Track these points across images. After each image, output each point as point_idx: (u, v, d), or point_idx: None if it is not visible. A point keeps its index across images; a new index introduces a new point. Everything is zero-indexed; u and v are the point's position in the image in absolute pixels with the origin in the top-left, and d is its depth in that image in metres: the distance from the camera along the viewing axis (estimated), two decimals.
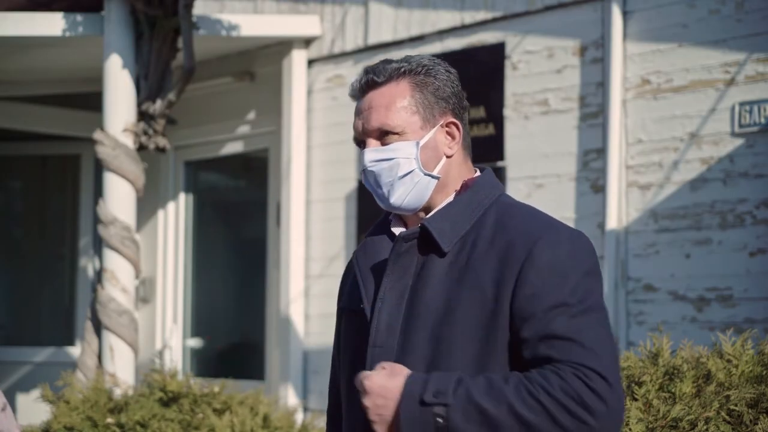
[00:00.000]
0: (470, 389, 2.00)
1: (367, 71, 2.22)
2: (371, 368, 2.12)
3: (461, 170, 2.24)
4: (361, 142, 2.23)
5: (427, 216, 2.21)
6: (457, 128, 2.23)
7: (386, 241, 2.27)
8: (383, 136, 2.20)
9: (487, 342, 2.08)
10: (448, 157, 2.22)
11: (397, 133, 2.19)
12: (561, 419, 1.96)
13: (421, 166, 2.19)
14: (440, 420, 1.98)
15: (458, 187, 2.23)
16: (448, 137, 2.22)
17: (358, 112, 2.23)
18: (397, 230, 2.28)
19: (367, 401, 2.04)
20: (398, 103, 2.19)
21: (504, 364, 2.08)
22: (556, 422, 1.96)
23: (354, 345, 2.24)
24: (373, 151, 2.20)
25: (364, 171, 2.24)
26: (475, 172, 2.27)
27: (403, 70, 2.21)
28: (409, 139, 2.19)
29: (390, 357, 2.14)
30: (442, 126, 2.21)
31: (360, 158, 2.30)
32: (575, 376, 1.98)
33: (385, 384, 2.03)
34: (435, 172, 2.20)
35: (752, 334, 3.69)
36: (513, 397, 1.98)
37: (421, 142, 2.19)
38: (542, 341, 2.04)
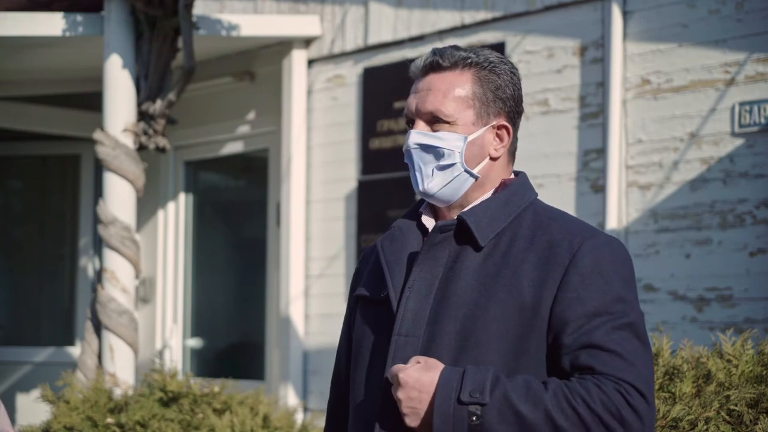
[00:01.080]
0: (508, 391, 1.98)
1: (435, 52, 2.18)
2: (394, 356, 2.10)
3: (501, 173, 2.22)
4: (410, 121, 2.20)
5: (465, 209, 2.18)
6: (508, 132, 2.20)
7: (415, 231, 2.23)
8: (434, 121, 2.17)
9: (520, 342, 2.06)
10: (492, 158, 2.19)
11: (448, 123, 2.16)
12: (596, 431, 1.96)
13: (464, 162, 2.16)
14: (475, 419, 1.96)
15: (496, 186, 2.21)
16: (497, 139, 2.20)
17: (415, 91, 2.19)
18: (428, 220, 2.24)
19: (400, 393, 2.01)
20: (456, 93, 2.16)
21: (535, 366, 2.06)
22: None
23: (374, 334, 2.19)
24: (420, 133, 2.18)
25: (406, 150, 2.21)
26: (512, 175, 2.26)
27: (470, 60, 2.17)
28: (459, 132, 2.16)
29: (415, 346, 2.10)
30: (493, 127, 2.19)
31: (406, 137, 2.24)
32: (617, 391, 1.97)
33: (420, 377, 2.00)
34: (476, 171, 2.18)
35: (752, 334, 3.69)
36: (550, 404, 1.96)
37: (470, 138, 2.16)
38: (584, 350, 2.02)
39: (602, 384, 1.98)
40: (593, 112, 5.59)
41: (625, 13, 5.47)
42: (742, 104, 5.07)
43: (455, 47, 2.20)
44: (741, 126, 5.07)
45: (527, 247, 2.10)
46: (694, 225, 5.21)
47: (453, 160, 2.16)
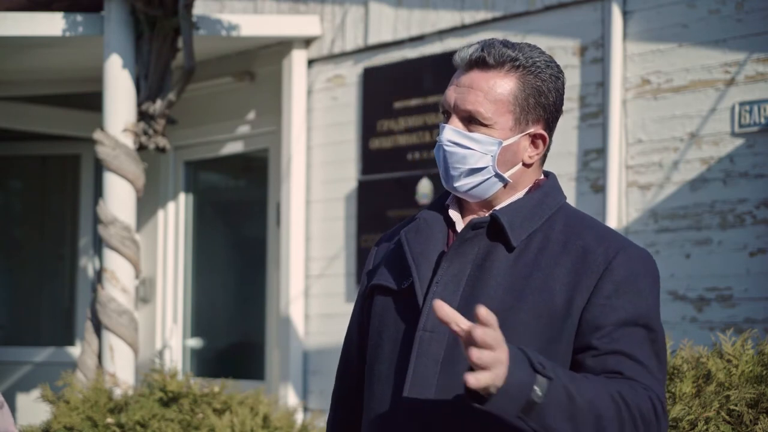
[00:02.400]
0: (560, 372, 1.92)
1: (483, 47, 2.12)
2: (419, 353, 2.06)
3: (532, 176, 2.20)
4: (446, 113, 2.15)
5: (498, 207, 2.15)
6: (543, 141, 2.17)
7: (441, 224, 2.19)
8: (471, 121, 2.12)
9: (549, 344, 2.03)
10: (525, 165, 2.16)
11: (485, 125, 2.11)
12: (627, 430, 1.96)
13: (496, 166, 2.12)
14: (539, 391, 1.86)
15: (528, 186, 2.18)
16: (532, 146, 2.16)
17: (457, 85, 2.13)
18: (454, 215, 2.20)
19: (499, 351, 1.84)
20: (498, 96, 2.10)
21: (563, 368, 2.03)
22: (622, 430, 1.96)
23: (395, 325, 2.15)
24: (455, 132, 2.12)
25: (438, 145, 2.16)
26: (542, 176, 2.23)
27: (517, 63, 2.11)
28: (494, 136, 2.11)
29: (441, 343, 2.06)
30: (529, 134, 2.15)
31: (440, 129, 2.20)
32: (648, 398, 1.99)
33: (498, 337, 1.87)
34: (507, 175, 2.14)
35: (752, 334, 3.69)
36: (597, 396, 1.94)
37: (505, 143, 2.12)
38: (612, 355, 2.01)
39: (635, 387, 1.99)
40: (593, 112, 5.59)
41: (625, 13, 5.47)
42: (742, 104, 5.07)
43: (505, 44, 2.13)
44: (741, 126, 5.07)
45: (561, 252, 2.08)
46: (694, 225, 5.21)
47: (485, 163, 2.12)
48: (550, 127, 2.18)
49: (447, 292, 2.09)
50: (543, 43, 5.79)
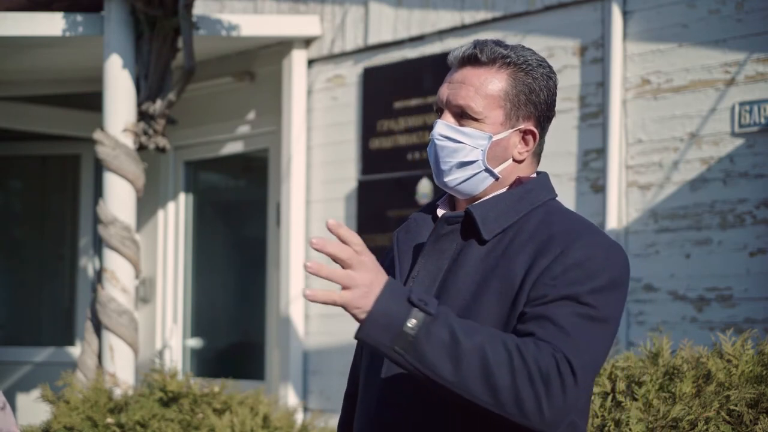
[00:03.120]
0: (449, 314, 1.93)
1: (475, 45, 2.17)
2: None
3: (523, 173, 2.21)
4: (439, 110, 2.19)
5: (475, 203, 2.17)
6: (534, 137, 2.18)
7: (429, 223, 2.24)
8: (462, 116, 2.16)
9: (506, 326, 2.04)
10: (515, 161, 2.18)
11: (476, 119, 2.14)
12: (520, 384, 1.90)
13: (486, 161, 2.15)
14: (412, 324, 1.87)
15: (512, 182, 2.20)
16: (522, 143, 2.18)
17: (449, 81, 2.18)
18: (442, 212, 2.24)
19: (361, 271, 1.89)
20: (489, 90, 2.15)
21: None
22: (515, 385, 1.90)
23: None
24: (446, 126, 2.16)
25: (431, 140, 2.20)
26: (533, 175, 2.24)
27: (508, 60, 2.15)
28: (485, 130, 2.15)
29: None
30: (520, 130, 2.17)
31: (433, 126, 2.22)
32: (551, 355, 1.93)
33: (377, 263, 1.92)
34: (497, 171, 2.17)
35: (752, 334, 3.69)
36: (486, 340, 1.91)
37: (495, 138, 2.15)
38: (536, 320, 1.99)
39: (539, 344, 1.94)
40: (593, 112, 5.59)
41: (625, 13, 5.47)
42: (742, 104, 5.07)
43: (497, 43, 2.18)
44: (741, 126, 5.07)
45: (528, 240, 2.09)
46: (694, 225, 5.21)
47: (475, 157, 2.15)
48: (542, 125, 2.20)
49: (422, 286, 2.13)
50: (543, 43, 5.79)
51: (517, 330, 2.00)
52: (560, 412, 1.92)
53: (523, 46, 2.21)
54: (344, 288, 1.88)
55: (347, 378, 2.44)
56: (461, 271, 2.11)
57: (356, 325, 1.92)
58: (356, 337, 1.90)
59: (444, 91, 2.18)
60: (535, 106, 2.17)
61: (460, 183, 2.18)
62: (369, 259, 1.90)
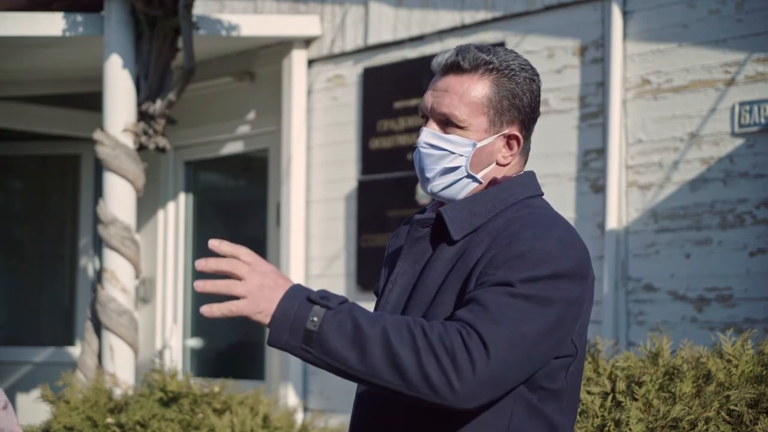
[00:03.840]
0: (355, 307, 1.95)
1: (458, 52, 2.18)
2: None
3: (509, 175, 2.23)
4: (425, 117, 2.22)
5: (448, 204, 2.20)
6: (518, 142, 2.20)
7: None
8: (447, 124, 2.18)
9: None
10: (499, 164, 2.20)
11: (460, 127, 2.17)
12: (425, 362, 1.89)
13: (468, 167, 2.18)
14: (314, 320, 1.91)
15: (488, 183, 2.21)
16: (506, 147, 2.20)
17: (433, 89, 2.20)
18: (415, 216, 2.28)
19: (251, 275, 1.93)
20: (472, 98, 2.16)
21: None
22: (420, 363, 1.89)
23: None
24: (431, 134, 2.19)
25: (416, 148, 2.22)
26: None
27: (491, 66, 2.17)
28: (469, 137, 2.17)
29: None
30: (504, 135, 2.19)
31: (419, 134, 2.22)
32: (457, 331, 1.92)
33: (276, 274, 1.96)
34: (480, 175, 2.19)
35: (752, 334, 3.69)
36: (390, 326, 1.92)
37: (479, 144, 2.17)
38: (466, 304, 2.00)
39: (447, 323, 1.94)
40: (593, 112, 5.59)
41: (625, 13, 5.47)
42: (742, 104, 5.07)
43: (479, 48, 2.19)
44: (741, 126, 5.07)
45: (487, 235, 2.11)
46: (694, 225, 5.21)
47: (459, 163, 2.17)
48: (526, 128, 2.22)
49: (400, 288, 2.17)
50: (543, 43, 5.79)
51: (452, 317, 2.01)
52: (473, 385, 1.90)
53: (506, 50, 2.22)
54: (239, 298, 1.92)
55: None
56: (431, 272, 2.13)
57: None
58: (268, 344, 1.94)
59: (428, 99, 2.20)
60: (518, 110, 2.19)
61: (443, 189, 2.20)
62: (262, 266, 1.93)
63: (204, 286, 1.89)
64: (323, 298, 1.93)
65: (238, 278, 1.93)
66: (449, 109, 2.16)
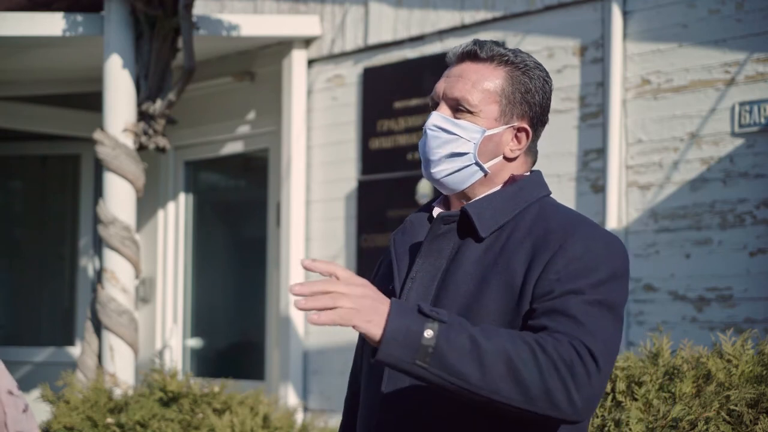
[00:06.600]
0: (461, 319, 1.92)
1: (475, 42, 2.19)
2: None
3: (515, 172, 2.22)
4: (435, 104, 2.20)
5: (470, 201, 2.18)
6: (527, 135, 2.19)
7: (425, 223, 2.24)
8: (458, 109, 2.17)
9: (511, 324, 2.04)
10: (506, 158, 2.19)
11: (471, 112, 2.16)
12: (548, 375, 1.88)
13: (477, 154, 2.16)
14: (430, 334, 1.86)
15: (504, 180, 2.20)
16: (515, 140, 2.19)
17: (446, 76, 2.20)
18: (438, 212, 2.24)
19: (349, 289, 1.86)
20: (486, 85, 2.16)
21: None
22: (543, 378, 1.88)
23: None
24: (441, 117, 2.17)
25: (424, 131, 2.21)
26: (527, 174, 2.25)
27: (506, 58, 2.18)
28: (479, 124, 2.16)
29: None
30: (513, 127, 2.18)
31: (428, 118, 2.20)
32: (570, 344, 1.92)
33: (370, 284, 1.91)
34: (486, 166, 2.17)
35: (752, 334, 3.69)
36: (506, 339, 1.90)
37: (488, 132, 2.16)
38: (546, 314, 1.99)
39: (556, 336, 1.94)
40: (593, 112, 5.60)
41: (625, 13, 5.47)
42: (742, 104, 5.07)
43: (496, 43, 2.20)
44: (741, 126, 5.07)
45: (524, 237, 2.10)
46: (694, 225, 5.21)
47: (467, 149, 2.16)
48: (535, 127, 2.21)
49: (421, 287, 2.13)
50: (543, 43, 5.79)
51: (528, 327, 2.00)
52: (590, 399, 1.92)
53: (521, 50, 2.23)
54: (336, 306, 1.85)
55: (348, 379, 2.44)
56: (460, 270, 2.11)
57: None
58: (376, 360, 1.87)
59: (440, 85, 2.19)
60: (530, 106, 2.19)
61: (447, 175, 2.18)
62: (357, 279, 1.89)
63: (306, 303, 1.83)
64: (433, 310, 1.88)
65: (339, 293, 1.86)
66: (462, 93, 2.15)
